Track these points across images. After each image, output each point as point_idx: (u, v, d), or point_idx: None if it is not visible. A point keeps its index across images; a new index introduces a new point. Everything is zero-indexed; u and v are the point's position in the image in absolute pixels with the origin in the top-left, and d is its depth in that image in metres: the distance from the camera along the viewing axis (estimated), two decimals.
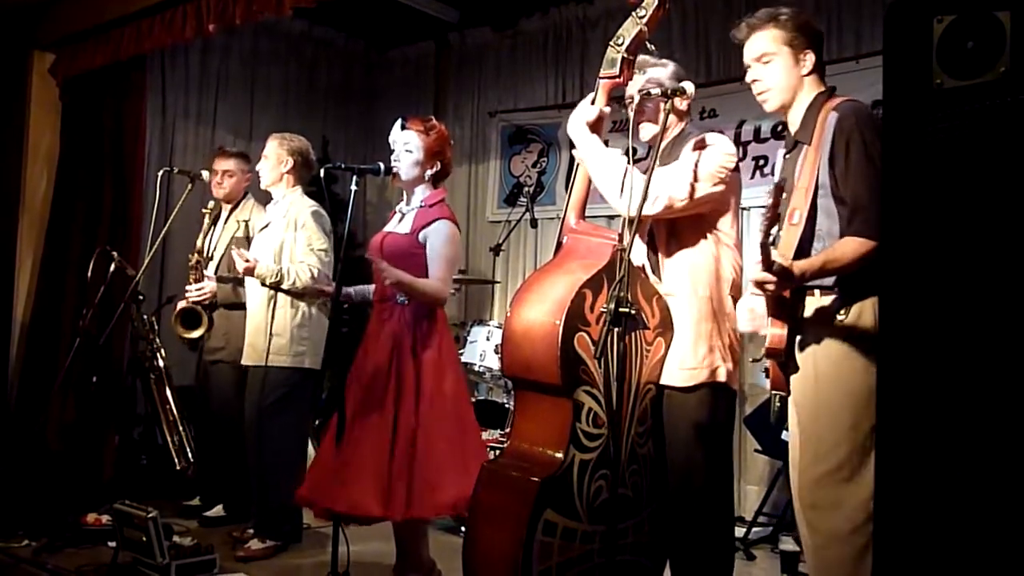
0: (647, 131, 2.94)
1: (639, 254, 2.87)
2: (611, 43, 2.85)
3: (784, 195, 2.50)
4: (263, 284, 4.11)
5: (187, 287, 4.67)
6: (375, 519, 3.17)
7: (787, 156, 2.61)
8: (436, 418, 3.21)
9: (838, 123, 2.38)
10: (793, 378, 2.47)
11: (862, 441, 2.31)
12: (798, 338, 2.45)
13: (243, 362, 4.25)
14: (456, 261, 3.39)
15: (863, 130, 2.34)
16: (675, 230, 2.82)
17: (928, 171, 1.70)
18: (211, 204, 4.90)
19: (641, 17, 2.80)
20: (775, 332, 2.43)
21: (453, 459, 3.17)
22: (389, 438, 3.16)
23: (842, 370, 2.36)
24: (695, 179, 2.72)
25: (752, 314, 2.64)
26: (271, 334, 4.14)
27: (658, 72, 2.96)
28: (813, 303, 2.44)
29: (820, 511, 2.40)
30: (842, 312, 2.37)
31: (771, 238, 2.15)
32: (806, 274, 2.30)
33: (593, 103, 2.86)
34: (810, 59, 2.52)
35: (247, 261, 4.03)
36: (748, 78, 2.62)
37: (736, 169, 2.82)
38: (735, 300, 2.88)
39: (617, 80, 2.85)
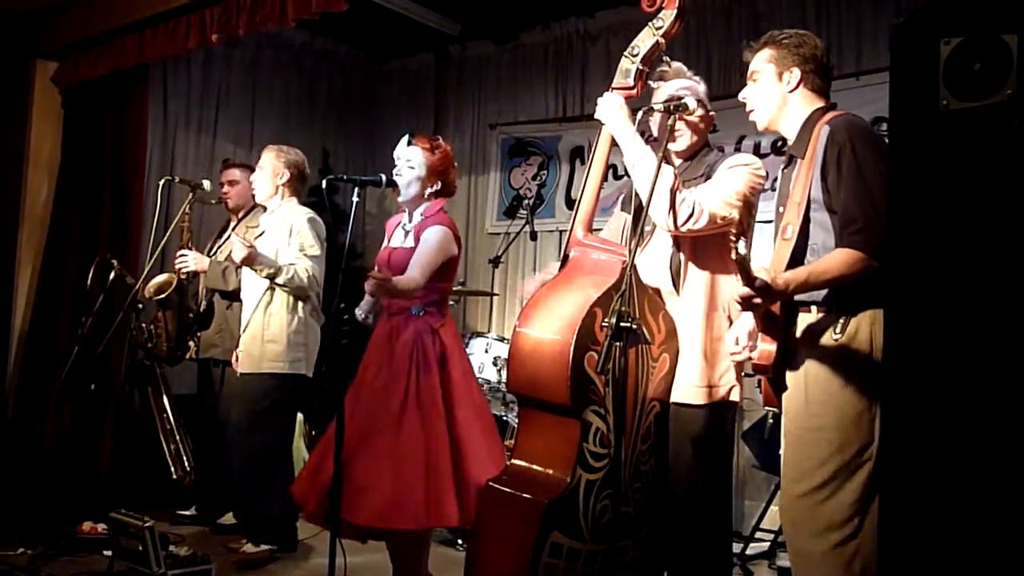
0: (683, 142, 2.88)
1: (654, 274, 2.82)
2: (625, 53, 2.78)
3: (780, 210, 2.52)
4: (261, 275, 4.05)
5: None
6: (406, 531, 3.18)
7: (784, 171, 2.61)
8: (473, 429, 3.22)
9: (830, 136, 2.36)
10: (784, 395, 2.46)
11: (846, 462, 2.30)
12: (791, 355, 2.44)
13: (240, 369, 4.23)
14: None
15: (855, 142, 2.32)
16: (699, 247, 2.80)
17: (934, 192, 1.70)
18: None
19: (658, 28, 2.75)
20: (764, 348, 2.43)
21: (494, 466, 3.13)
22: (422, 449, 3.12)
23: (832, 390, 2.33)
24: (732, 196, 2.70)
25: (738, 343, 2.64)
26: (265, 340, 4.15)
27: (685, 84, 2.90)
28: (806, 319, 2.42)
29: (798, 528, 2.39)
30: (836, 331, 2.34)
31: (744, 253, 2.13)
32: (790, 286, 2.26)
33: None
34: (795, 76, 2.50)
35: (248, 247, 3.95)
36: (740, 96, 2.63)
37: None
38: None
39: (631, 92, 2.78)
